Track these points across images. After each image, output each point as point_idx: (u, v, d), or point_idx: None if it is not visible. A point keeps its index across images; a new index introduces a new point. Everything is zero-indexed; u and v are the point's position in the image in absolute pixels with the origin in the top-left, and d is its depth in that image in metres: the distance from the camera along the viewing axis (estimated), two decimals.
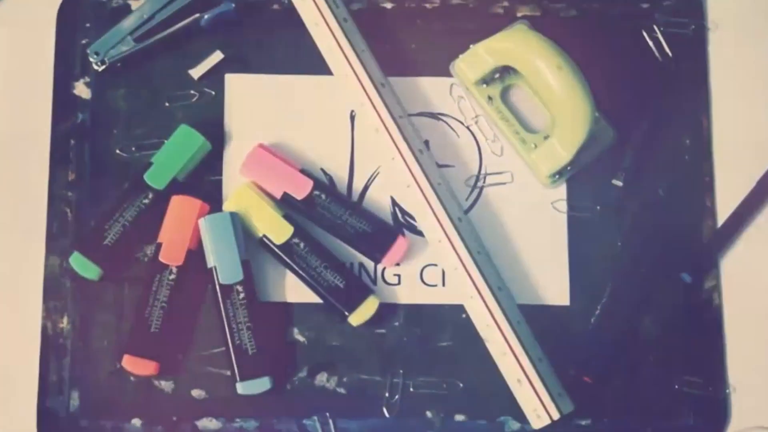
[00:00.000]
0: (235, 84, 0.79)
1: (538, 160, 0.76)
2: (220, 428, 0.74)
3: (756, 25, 0.81)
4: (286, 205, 0.76)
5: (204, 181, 0.77)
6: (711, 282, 0.77)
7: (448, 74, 0.79)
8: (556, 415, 0.71)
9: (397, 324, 0.76)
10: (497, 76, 0.78)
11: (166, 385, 0.74)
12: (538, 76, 0.74)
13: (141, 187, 0.75)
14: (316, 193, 0.75)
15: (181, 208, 0.75)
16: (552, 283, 0.76)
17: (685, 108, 0.79)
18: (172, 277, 0.74)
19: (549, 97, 0.75)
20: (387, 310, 0.75)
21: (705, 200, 0.78)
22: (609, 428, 0.75)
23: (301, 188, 0.75)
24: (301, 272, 0.74)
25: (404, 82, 0.79)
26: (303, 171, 0.76)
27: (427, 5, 0.80)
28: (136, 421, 0.74)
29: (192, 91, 0.78)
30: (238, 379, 0.73)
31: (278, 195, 0.76)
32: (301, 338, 0.75)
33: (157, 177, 0.75)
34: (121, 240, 0.75)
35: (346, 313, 0.74)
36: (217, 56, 0.78)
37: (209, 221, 0.74)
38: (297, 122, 0.78)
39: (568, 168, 0.76)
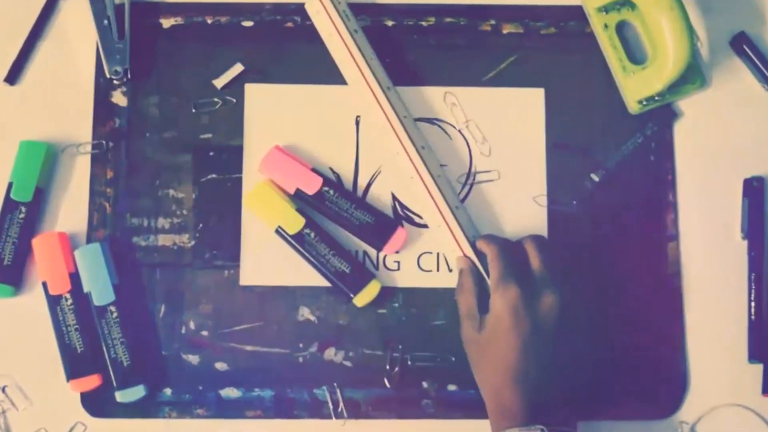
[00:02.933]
0: (254, 93, 0.81)
1: (633, 85, 0.80)
2: (240, 397, 0.76)
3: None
4: (298, 199, 0.78)
5: (225, 179, 0.79)
6: (673, 268, 0.79)
7: (442, 83, 0.81)
8: None
9: (396, 305, 0.78)
10: (618, 8, 0.81)
11: (193, 359, 0.77)
12: (650, 13, 0.77)
13: (12, 205, 0.77)
14: (326, 189, 0.78)
15: (45, 244, 0.76)
16: None
17: (652, 117, 0.81)
18: (70, 302, 0.76)
19: (655, 33, 0.78)
20: (387, 292, 0.78)
21: (668, 195, 0.80)
22: (588, 392, 0.76)
23: (312, 185, 0.78)
24: (311, 259, 0.77)
25: (403, 91, 0.80)
26: (314, 170, 0.78)
27: (423, 23, 0.82)
28: (168, 390, 0.77)
29: (215, 99, 0.80)
30: (115, 387, 0.74)
31: (292, 191, 0.78)
32: (312, 317, 0.78)
33: (21, 192, 0.77)
34: (18, 255, 0.77)
35: (352, 295, 0.77)
36: (237, 68, 0.81)
37: (82, 252, 0.76)
38: (308, 127, 0.80)
39: (656, 98, 0.80)
